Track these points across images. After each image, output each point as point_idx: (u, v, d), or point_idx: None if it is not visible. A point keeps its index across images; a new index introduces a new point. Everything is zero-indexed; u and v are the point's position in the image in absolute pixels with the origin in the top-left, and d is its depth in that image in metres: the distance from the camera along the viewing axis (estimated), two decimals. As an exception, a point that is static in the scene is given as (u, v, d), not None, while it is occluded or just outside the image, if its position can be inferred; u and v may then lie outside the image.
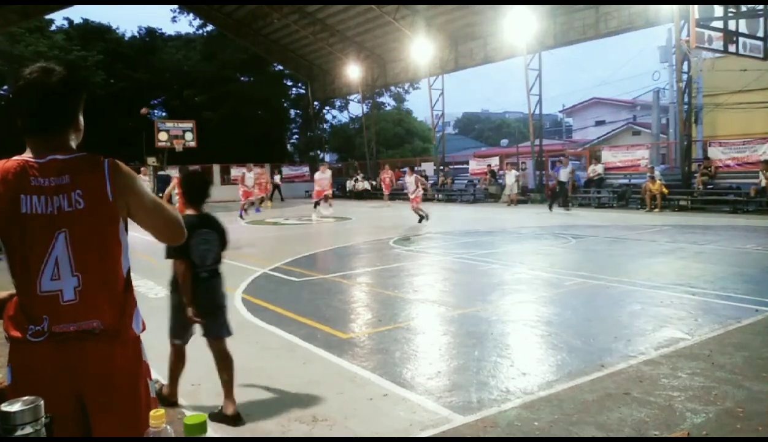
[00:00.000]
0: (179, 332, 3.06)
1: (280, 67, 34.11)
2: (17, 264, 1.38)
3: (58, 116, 1.41)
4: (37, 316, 1.37)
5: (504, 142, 40.77)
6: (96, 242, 1.39)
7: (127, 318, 1.45)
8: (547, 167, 21.81)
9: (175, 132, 26.10)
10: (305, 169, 31.16)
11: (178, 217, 1.58)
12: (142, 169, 19.64)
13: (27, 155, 1.40)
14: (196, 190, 3.03)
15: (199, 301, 2.92)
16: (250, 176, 15.85)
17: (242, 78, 35.50)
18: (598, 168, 18.47)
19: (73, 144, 1.46)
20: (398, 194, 22.54)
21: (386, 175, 21.50)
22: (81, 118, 1.48)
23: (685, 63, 15.28)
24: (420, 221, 12.41)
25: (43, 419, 1.18)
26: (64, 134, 1.43)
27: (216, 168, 28.03)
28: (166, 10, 52.04)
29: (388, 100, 40.50)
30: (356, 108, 37.45)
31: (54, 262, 1.36)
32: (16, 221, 1.35)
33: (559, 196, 16.08)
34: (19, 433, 1.12)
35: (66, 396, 1.38)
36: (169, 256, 2.86)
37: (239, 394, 3.31)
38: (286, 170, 30.89)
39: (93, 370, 1.39)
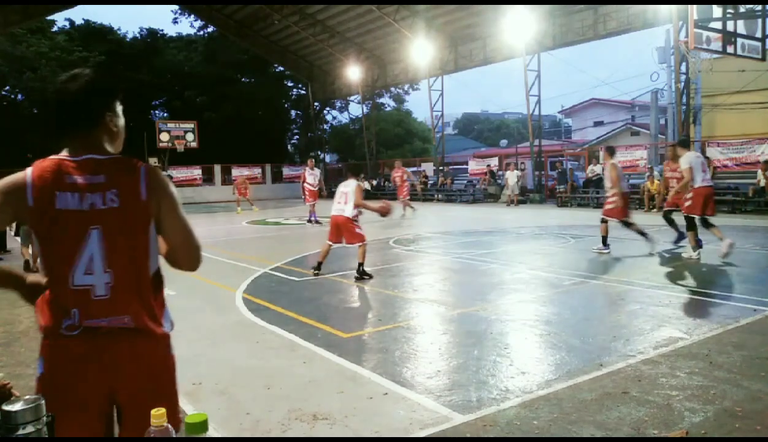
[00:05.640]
0: None
1: (281, 68, 34.15)
2: (51, 258, 1.42)
3: (79, 119, 1.47)
4: (69, 309, 1.40)
5: (503, 142, 40.83)
6: (128, 240, 1.43)
7: (158, 316, 1.49)
8: (546, 168, 21.84)
9: (177, 132, 26.17)
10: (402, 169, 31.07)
11: (200, 245, 1.57)
12: None
13: (63, 154, 1.46)
14: None
15: None
16: (315, 174, 14.24)
17: (243, 79, 35.56)
18: (597, 168, 18.49)
19: (108, 145, 1.51)
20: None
21: (397, 174, 17.55)
22: (115, 121, 1.53)
23: (684, 64, 15.30)
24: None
25: (44, 418, 1.19)
26: (93, 135, 1.49)
27: (217, 168, 28.08)
28: (168, 11, 52.04)
29: (388, 101, 40.59)
30: (356, 109, 37.54)
31: (88, 257, 1.40)
32: (51, 217, 1.39)
33: None
34: (20, 432, 1.13)
35: (98, 390, 1.41)
36: None
37: (239, 393, 3.33)
38: (287, 171, 30.93)
39: (126, 366, 1.42)
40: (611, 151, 8.24)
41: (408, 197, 16.07)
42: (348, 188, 6.69)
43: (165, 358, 1.51)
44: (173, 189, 1.52)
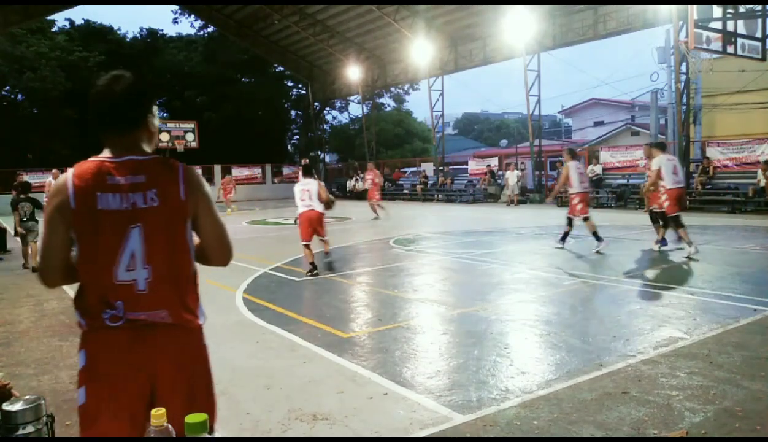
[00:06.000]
0: None
1: (281, 68, 34.14)
2: (94, 256, 1.46)
3: (124, 120, 1.53)
4: (113, 302, 1.45)
5: (503, 142, 40.81)
6: (167, 237, 1.49)
7: (193, 309, 1.56)
8: (546, 168, 21.84)
9: (177, 132, 26.19)
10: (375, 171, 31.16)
11: (232, 243, 1.66)
12: None
13: (104, 156, 1.51)
14: None
15: None
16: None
17: (243, 79, 35.54)
18: (597, 168, 18.52)
19: (146, 146, 1.57)
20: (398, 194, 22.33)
21: (369, 175, 16.76)
22: (153, 122, 1.59)
23: (684, 64, 15.30)
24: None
25: (44, 418, 1.19)
26: (135, 136, 1.54)
27: (217, 168, 28.11)
28: (168, 11, 51.97)
29: (388, 101, 40.56)
30: (356, 109, 37.55)
31: (129, 254, 1.45)
32: (92, 217, 1.44)
33: None
34: (20, 432, 1.13)
35: (141, 376, 1.46)
36: None
37: (239, 393, 3.33)
38: (286, 170, 31.00)
39: (165, 355, 1.49)
40: (571, 153, 8.62)
41: (379, 200, 15.78)
42: (311, 186, 7.11)
43: (200, 348, 1.59)
44: (208, 188, 1.59)
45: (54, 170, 15.68)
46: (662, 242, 8.17)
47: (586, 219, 8.24)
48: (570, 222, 8.44)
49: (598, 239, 8.12)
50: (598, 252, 8.01)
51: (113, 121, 1.52)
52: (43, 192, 13.40)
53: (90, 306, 1.47)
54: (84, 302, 1.48)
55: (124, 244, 1.45)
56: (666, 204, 7.66)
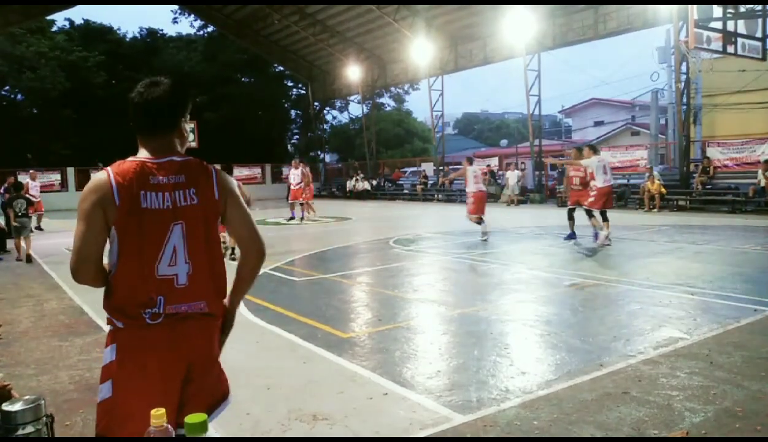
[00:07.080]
0: None
1: (281, 68, 34.13)
2: (135, 252, 1.52)
3: (166, 123, 1.62)
4: (153, 297, 1.51)
5: (503, 142, 40.82)
6: (204, 233, 1.59)
7: (222, 301, 1.67)
8: (546, 168, 21.84)
9: (176, 132, 26.17)
10: (305, 169, 31.27)
11: (262, 238, 1.72)
12: None
13: (143, 156, 1.59)
14: None
15: None
16: (297, 174, 14.57)
17: (243, 79, 35.55)
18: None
19: (179, 147, 1.66)
20: (398, 194, 22.31)
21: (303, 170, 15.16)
22: (185, 125, 1.68)
23: (684, 64, 15.30)
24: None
25: (44, 418, 1.19)
26: (170, 137, 1.63)
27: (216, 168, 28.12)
28: (167, 11, 52.00)
29: (388, 101, 40.59)
30: (356, 109, 37.50)
31: (172, 249, 1.53)
32: (136, 215, 1.51)
33: None
34: (20, 432, 1.13)
35: (179, 364, 1.52)
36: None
37: (239, 393, 3.33)
38: (286, 170, 30.98)
39: (200, 343, 1.58)
40: (469, 161, 10.13)
41: (309, 199, 15.37)
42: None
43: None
44: (236, 187, 1.71)
45: (31, 171, 15.77)
46: (589, 235, 8.84)
47: (480, 220, 9.57)
48: (479, 220, 9.59)
49: (484, 233, 9.52)
50: (483, 240, 9.36)
51: (157, 123, 1.60)
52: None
53: (128, 305, 1.50)
54: (121, 301, 1.51)
55: (166, 240, 1.52)
56: (591, 199, 8.53)
